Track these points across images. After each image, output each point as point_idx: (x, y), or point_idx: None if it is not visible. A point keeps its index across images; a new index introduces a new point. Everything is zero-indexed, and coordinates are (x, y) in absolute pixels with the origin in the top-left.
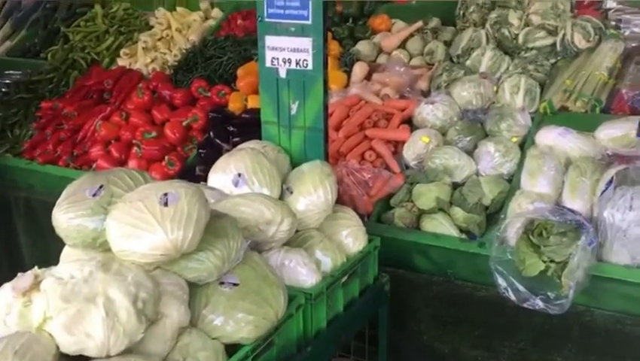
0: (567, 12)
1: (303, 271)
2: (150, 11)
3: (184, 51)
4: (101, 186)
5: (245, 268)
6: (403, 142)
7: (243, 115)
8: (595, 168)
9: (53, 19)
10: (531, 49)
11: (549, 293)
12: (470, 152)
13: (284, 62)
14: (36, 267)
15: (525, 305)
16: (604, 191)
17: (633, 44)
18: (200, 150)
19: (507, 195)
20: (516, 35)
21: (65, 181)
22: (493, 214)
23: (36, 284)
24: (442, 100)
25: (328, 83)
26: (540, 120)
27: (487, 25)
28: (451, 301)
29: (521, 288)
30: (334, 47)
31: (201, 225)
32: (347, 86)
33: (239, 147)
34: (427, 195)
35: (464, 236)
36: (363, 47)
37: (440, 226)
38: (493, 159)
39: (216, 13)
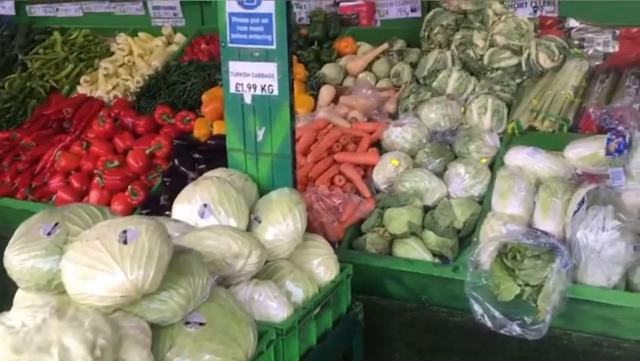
0: (531, 32)
1: (274, 305)
2: (111, 37)
3: (147, 77)
4: (56, 224)
5: (211, 306)
6: (373, 166)
7: (209, 142)
8: (566, 187)
9: (10, 47)
10: (497, 69)
11: (525, 318)
12: (440, 174)
13: (249, 88)
14: None
15: (502, 331)
16: (576, 211)
17: (597, 63)
18: (165, 179)
19: (478, 217)
20: (482, 56)
21: (23, 215)
22: (465, 237)
23: None
24: (410, 122)
25: (295, 108)
26: (508, 141)
27: (452, 47)
28: (426, 327)
29: (497, 314)
30: (300, 71)
31: (163, 263)
32: (314, 109)
33: (205, 175)
34: (398, 219)
35: (437, 260)
36: (329, 70)
37: (412, 250)
38: (463, 180)
39: (179, 38)
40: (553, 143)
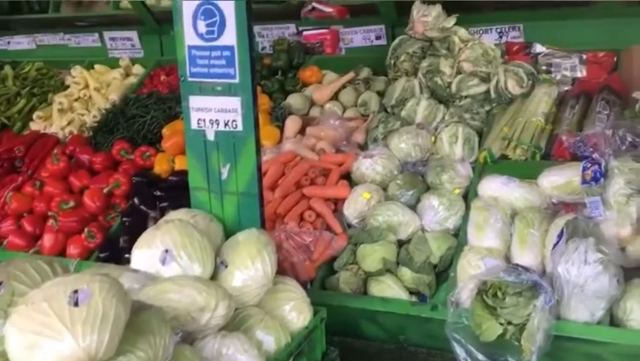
0: (498, 58)
1: (243, 359)
2: (66, 70)
3: (104, 111)
4: (0, 283)
5: None
6: (343, 199)
7: (170, 178)
8: (543, 217)
9: None
10: (466, 97)
11: (510, 359)
12: (413, 206)
13: (212, 124)
14: None
15: None
16: (556, 244)
17: (565, 88)
18: (124, 219)
19: (455, 250)
20: (449, 84)
21: None
22: (442, 272)
23: None
24: (380, 153)
25: (260, 143)
26: (481, 170)
27: (419, 75)
28: None
29: (480, 356)
30: (265, 102)
31: (119, 325)
32: (280, 141)
33: (166, 218)
34: (372, 256)
35: (414, 299)
36: (294, 100)
37: (388, 289)
38: (437, 213)
39: (137, 69)
40: (526, 171)
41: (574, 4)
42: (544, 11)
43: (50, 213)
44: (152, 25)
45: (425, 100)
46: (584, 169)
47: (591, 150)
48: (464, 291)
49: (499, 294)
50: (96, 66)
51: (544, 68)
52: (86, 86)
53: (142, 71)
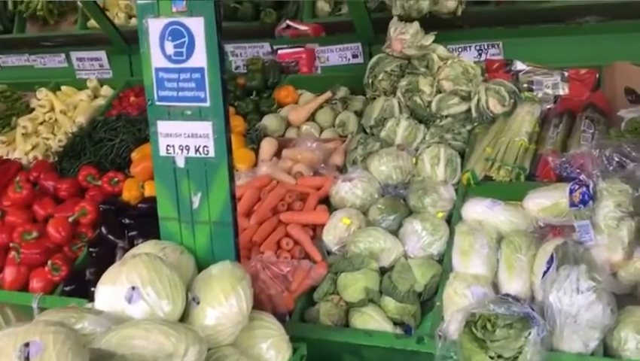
0: (478, 76)
1: None
2: (31, 92)
3: (70, 135)
4: None
5: None
6: (322, 225)
7: (140, 205)
8: (530, 242)
9: None
10: (446, 116)
11: None
12: (394, 231)
13: (182, 150)
14: None
15: None
16: (546, 271)
17: (548, 106)
18: (91, 249)
19: (440, 278)
20: (429, 103)
21: None
22: (427, 300)
23: None
24: (360, 176)
25: (234, 167)
26: (464, 192)
27: (398, 94)
28: None
29: None
30: (239, 123)
31: None
32: (255, 165)
33: (132, 252)
34: (354, 285)
35: (398, 330)
36: (270, 121)
37: (371, 320)
38: (421, 238)
39: (106, 90)
40: (510, 193)
41: (553, 21)
42: (523, 28)
43: (11, 245)
44: (121, 44)
45: (405, 120)
46: (572, 191)
47: (578, 171)
48: (453, 323)
49: (489, 326)
50: (63, 88)
51: (525, 85)
52: (52, 109)
53: (111, 92)
